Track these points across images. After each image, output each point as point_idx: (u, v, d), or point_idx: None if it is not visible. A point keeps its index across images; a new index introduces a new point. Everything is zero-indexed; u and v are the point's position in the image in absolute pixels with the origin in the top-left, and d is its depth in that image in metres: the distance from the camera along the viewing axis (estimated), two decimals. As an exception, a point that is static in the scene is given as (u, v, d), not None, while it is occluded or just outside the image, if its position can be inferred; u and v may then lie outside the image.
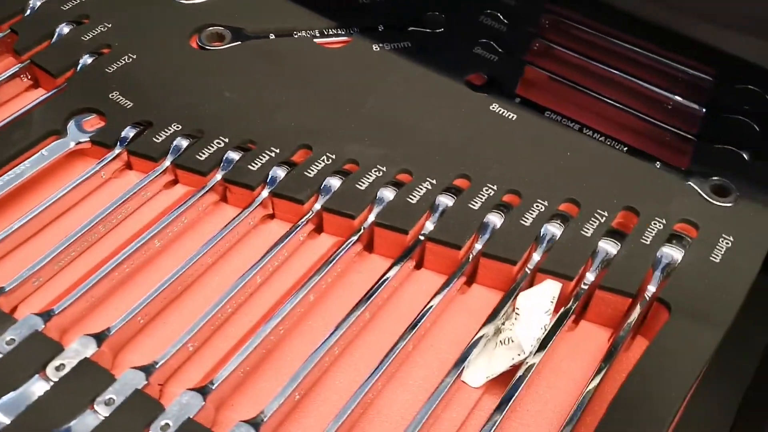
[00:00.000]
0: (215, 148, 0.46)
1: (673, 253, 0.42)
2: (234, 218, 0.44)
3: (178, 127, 0.47)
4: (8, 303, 0.40)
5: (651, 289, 0.41)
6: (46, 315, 0.38)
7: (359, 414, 0.37)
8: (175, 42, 0.53)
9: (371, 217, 0.44)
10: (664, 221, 0.44)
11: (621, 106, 0.51)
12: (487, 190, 0.45)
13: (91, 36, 0.52)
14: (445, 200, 0.45)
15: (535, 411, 0.39)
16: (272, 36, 0.54)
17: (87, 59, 0.51)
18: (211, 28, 0.54)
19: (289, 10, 0.56)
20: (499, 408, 0.37)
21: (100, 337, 0.38)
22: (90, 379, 0.36)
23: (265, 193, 0.45)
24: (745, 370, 0.42)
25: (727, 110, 0.50)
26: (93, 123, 0.47)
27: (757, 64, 0.46)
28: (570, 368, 0.41)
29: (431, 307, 0.41)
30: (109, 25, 0.53)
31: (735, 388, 0.41)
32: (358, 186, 0.45)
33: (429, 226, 0.44)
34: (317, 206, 0.45)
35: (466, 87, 0.52)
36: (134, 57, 0.51)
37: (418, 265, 0.45)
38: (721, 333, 0.39)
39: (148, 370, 0.37)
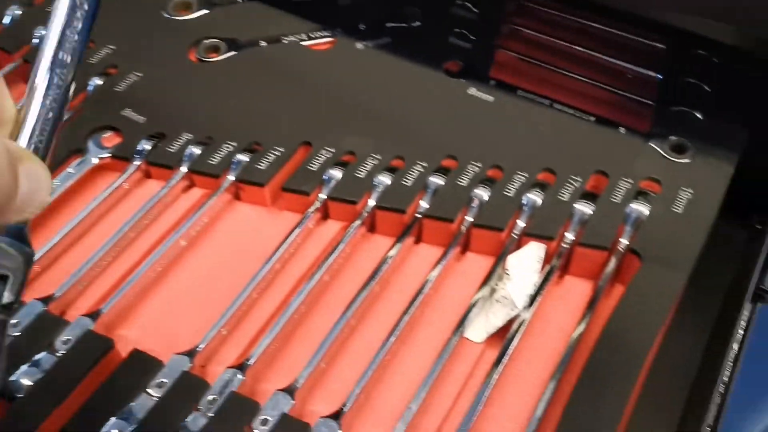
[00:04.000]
0: (225, 152, 0.51)
1: (640, 208, 0.48)
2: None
3: (189, 136, 0.52)
4: (58, 308, 0.45)
5: (623, 241, 0.47)
6: (95, 315, 0.43)
7: (378, 375, 0.43)
8: (175, 57, 0.57)
9: (371, 202, 0.49)
10: (631, 180, 0.49)
11: (586, 80, 0.56)
12: (472, 168, 0.50)
13: (97, 59, 0.57)
14: (436, 180, 0.50)
15: (530, 358, 0.45)
16: (263, 43, 0.58)
17: (96, 81, 0.55)
18: (206, 41, 0.58)
19: (275, 17, 0.60)
20: (499, 359, 0.42)
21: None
22: (142, 367, 0.41)
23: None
24: (711, 306, 0.48)
25: (680, 75, 0.56)
26: (111, 139, 0.52)
27: (702, 34, 0.51)
28: (558, 318, 0.46)
29: (433, 275, 0.46)
30: (113, 47, 0.57)
31: (703, 322, 0.47)
32: (357, 174, 0.50)
33: (423, 204, 0.49)
34: (322, 196, 0.50)
35: (445, 75, 0.57)
36: (140, 75, 0.56)
37: (417, 240, 0.50)
38: (686, 275, 0.44)
39: (191, 354, 0.42)
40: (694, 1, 0.45)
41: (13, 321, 0.42)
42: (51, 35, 0.30)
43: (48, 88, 0.30)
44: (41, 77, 0.30)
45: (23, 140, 0.29)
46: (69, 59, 0.31)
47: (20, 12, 0.60)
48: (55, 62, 0.30)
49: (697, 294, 0.46)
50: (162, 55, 0.58)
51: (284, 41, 0.59)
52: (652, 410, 0.43)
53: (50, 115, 0.30)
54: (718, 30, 0.50)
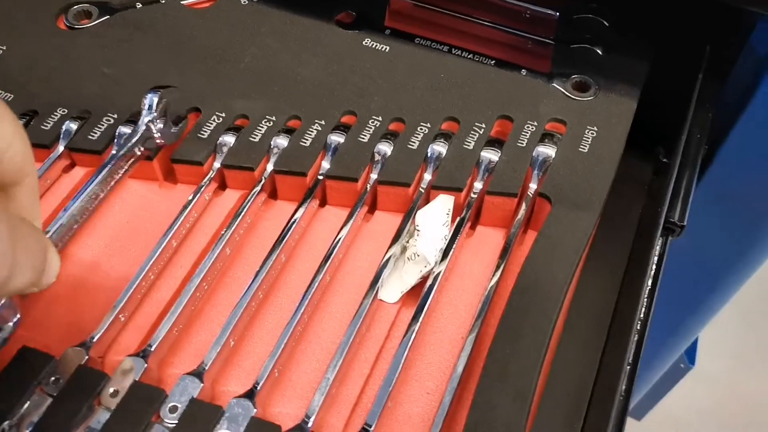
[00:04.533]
0: (105, 125, 0.47)
1: (547, 150, 0.46)
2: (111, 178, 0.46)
3: (64, 111, 0.47)
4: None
5: (532, 186, 0.46)
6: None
7: (292, 347, 0.41)
8: (42, 26, 0.52)
9: (270, 167, 0.47)
10: (535, 123, 0.48)
11: (483, 22, 0.55)
12: (373, 122, 0.48)
13: (-47, 33, 0.51)
14: (336, 138, 0.47)
15: (448, 314, 0.43)
16: (139, 5, 0.54)
17: (-46, 58, 0.50)
18: (75, 7, 0.53)
19: (150, -25, 0.56)
20: (415, 317, 0.41)
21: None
22: (33, 364, 0.38)
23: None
24: (623, 242, 0.47)
25: (577, 10, 0.55)
26: (-24, 121, 0.47)
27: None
28: (473, 270, 0.45)
29: (341, 238, 0.44)
30: (-30, 20, 0.52)
31: (616, 259, 0.46)
32: (251, 139, 0.47)
33: (325, 165, 0.47)
34: (217, 165, 0.47)
35: (337, 27, 0.54)
36: (4, 48, 0.51)
37: (322, 203, 0.48)
38: (596, 215, 0.44)
39: (86, 345, 0.39)
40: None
41: None
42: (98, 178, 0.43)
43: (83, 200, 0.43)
44: (85, 197, 0.43)
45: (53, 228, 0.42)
46: (102, 195, 0.44)
47: None
48: (94, 196, 0.44)
49: (608, 231, 0.46)
50: (27, 25, 0.52)
51: (162, 0, 0.55)
52: (573, 352, 0.42)
53: (78, 222, 0.43)
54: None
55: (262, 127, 0.48)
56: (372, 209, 0.48)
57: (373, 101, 0.49)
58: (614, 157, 0.46)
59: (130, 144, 0.45)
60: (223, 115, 0.48)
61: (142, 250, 0.44)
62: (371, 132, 0.48)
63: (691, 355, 0.94)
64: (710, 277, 0.62)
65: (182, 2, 0.55)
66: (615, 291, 0.46)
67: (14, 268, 0.30)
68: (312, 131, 0.48)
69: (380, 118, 0.48)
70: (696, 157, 0.46)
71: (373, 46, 0.53)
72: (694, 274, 0.62)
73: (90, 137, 0.47)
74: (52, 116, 0.47)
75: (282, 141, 0.47)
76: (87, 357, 0.38)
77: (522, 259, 0.44)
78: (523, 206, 0.45)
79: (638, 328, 0.40)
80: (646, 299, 0.40)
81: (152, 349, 0.39)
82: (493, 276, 0.43)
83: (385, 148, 0.47)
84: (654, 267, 0.41)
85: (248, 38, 0.53)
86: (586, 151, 0.46)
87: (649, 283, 0.42)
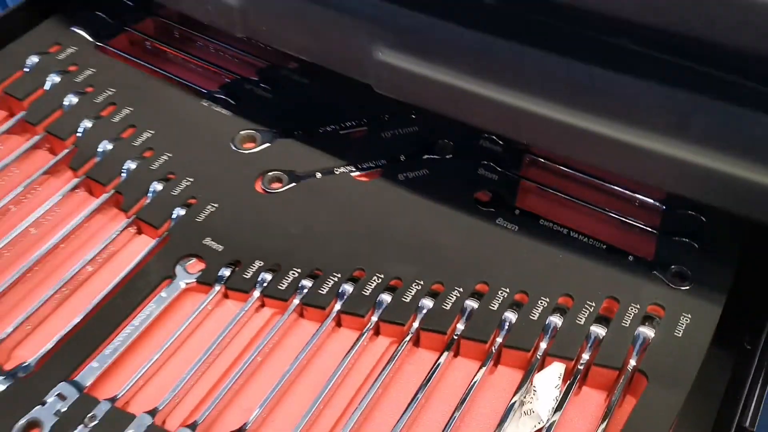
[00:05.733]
0: (291, 278, 0.60)
1: (647, 331, 0.56)
2: (313, 337, 0.58)
3: (261, 263, 0.61)
4: (161, 419, 0.53)
5: (632, 362, 0.55)
6: (193, 426, 0.52)
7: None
8: (244, 188, 0.67)
9: (416, 324, 0.58)
10: (638, 306, 0.58)
11: (599, 209, 0.65)
12: (501, 293, 0.59)
13: (179, 191, 0.66)
14: (471, 303, 0.58)
15: (555, 465, 0.53)
16: (318, 175, 0.68)
17: (180, 211, 0.65)
18: (270, 173, 0.68)
19: (328, 149, 0.70)
20: (529, 466, 0.51)
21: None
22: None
23: (334, 311, 0.59)
24: (708, 415, 0.56)
25: (682, 206, 0.64)
26: (195, 266, 0.61)
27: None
28: (577, 426, 0.55)
29: (471, 388, 0.55)
30: (192, 180, 0.67)
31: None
32: (403, 299, 0.59)
33: (460, 326, 0.58)
34: (374, 318, 0.59)
35: (476, 204, 0.66)
36: (216, 206, 0.65)
37: (455, 354, 0.59)
38: (685, 392, 0.53)
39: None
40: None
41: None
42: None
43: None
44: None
45: None
46: None
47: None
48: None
49: (690, 410, 0.54)
50: (233, 187, 0.67)
51: (336, 172, 0.68)
52: None
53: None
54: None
55: (412, 290, 0.59)
56: (495, 363, 0.58)
57: (503, 274, 0.60)
58: (704, 342, 0.55)
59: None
60: (382, 276, 0.60)
61: (313, 381, 0.56)
62: (500, 301, 0.58)
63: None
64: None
65: (352, 174, 0.68)
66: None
67: None
68: (452, 296, 0.59)
69: (507, 290, 0.59)
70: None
71: (504, 225, 0.64)
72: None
73: (279, 287, 0.60)
74: (251, 266, 0.61)
75: (428, 302, 0.59)
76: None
77: (619, 418, 0.53)
78: (623, 379, 0.54)
79: None
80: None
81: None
82: (595, 437, 0.52)
83: (511, 316, 0.58)
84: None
85: (404, 209, 0.65)
86: (680, 335, 0.56)
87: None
